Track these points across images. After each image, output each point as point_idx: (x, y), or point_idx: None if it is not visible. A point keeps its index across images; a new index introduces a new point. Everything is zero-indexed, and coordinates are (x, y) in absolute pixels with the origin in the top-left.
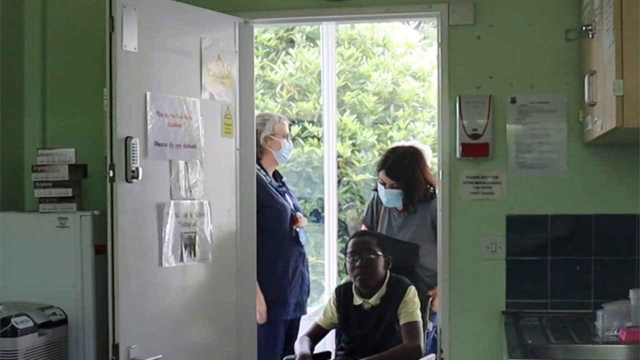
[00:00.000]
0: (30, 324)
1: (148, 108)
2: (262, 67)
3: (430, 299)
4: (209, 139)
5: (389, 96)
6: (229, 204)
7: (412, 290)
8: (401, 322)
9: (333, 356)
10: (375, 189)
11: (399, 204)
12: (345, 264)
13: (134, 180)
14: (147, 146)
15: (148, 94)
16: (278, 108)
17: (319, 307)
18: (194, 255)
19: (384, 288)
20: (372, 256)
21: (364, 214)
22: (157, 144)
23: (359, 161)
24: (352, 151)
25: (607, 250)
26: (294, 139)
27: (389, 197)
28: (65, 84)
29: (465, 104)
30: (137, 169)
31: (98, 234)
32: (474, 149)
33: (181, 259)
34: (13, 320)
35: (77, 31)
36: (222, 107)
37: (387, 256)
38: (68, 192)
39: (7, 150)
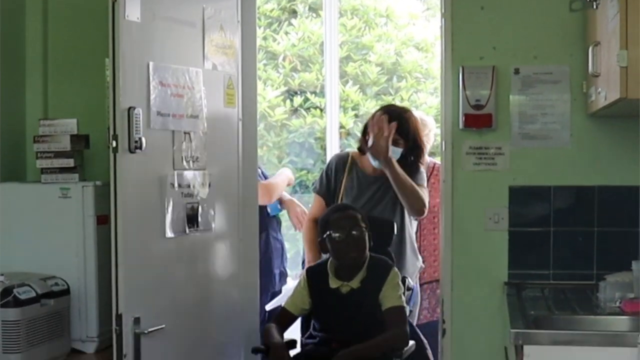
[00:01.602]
0: (33, 294)
1: (151, 78)
2: (265, 38)
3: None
4: (212, 109)
5: (392, 67)
6: (232, 174)
7: (395, 272)
8: (384, 307)
9: (299, 345)
10: (338, 157)
11: None
12: (322, 242)
13: (137, 151)
14: (149, 116)
15: (151, 64)
16: (280, 79)
17: None
18: (197, 225)
19: (364, 270)
20: (362, 232)
21: (316, 182)
22: (159, 114)
23: (361, 132)
24: (355, 122)
25: (610, 222)
26: (296, 110)
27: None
28: (67, 54)
29: (468, 74)
30: (140, 139)
31: (100, 205)
32: (477, 120)
33: (184, 230)
34: (15, 291)
35: (79, 0)
36: (225, 78)
37: (369, 231)
38: (70, 162)
39: (9, 121)
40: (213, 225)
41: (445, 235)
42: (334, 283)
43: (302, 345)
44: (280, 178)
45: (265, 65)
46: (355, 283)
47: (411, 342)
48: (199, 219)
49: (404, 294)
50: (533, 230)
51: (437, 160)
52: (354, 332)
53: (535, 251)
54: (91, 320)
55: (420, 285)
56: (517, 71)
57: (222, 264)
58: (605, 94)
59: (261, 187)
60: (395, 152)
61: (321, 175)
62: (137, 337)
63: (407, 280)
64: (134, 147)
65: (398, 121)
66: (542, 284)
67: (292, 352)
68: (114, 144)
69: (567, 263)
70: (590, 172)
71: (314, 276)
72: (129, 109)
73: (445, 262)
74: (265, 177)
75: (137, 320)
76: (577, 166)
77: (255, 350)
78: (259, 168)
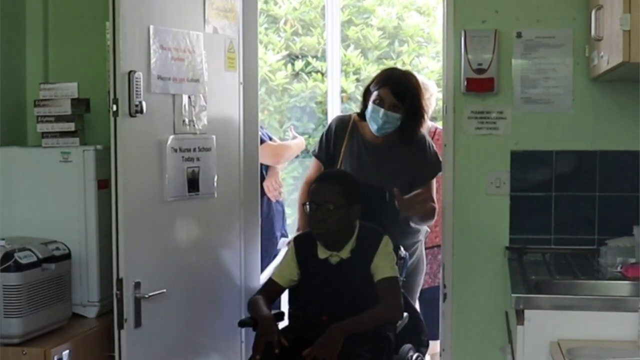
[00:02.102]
0: (34, 258)
1: (151, 42)
2: (266, 1)
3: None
4: (213, 73)
5: (394, 31)
6: (233, 139)
7: (387, 241)
8: (376, 279)
9: (287, 318)
10: (340, 119)
11: (387, 132)
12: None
13: (137, 115)
14: (150, 80)
15: (151, 27)
16: (281, 43)
17: None
18: (198, 189)
19: (353, 239)
20: (331, 207)
21: (316, 145)
22: (160, 78)
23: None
24: (356, 86)
25: (612, 187)
26: (297, 74)
27: (386, 120)
28: (67, 17)
29: (470, 38)
30: (140, 103)
31: (101, 169)
32: (479, 84)
33: (185, 194)
34: (16, 255)
35: None
36: (226, 41)
37: (354, 205)
38: (71, 126)
39: (9, 85)
40: (214, 190)
41: (446, 200)
42: (322, 253)
43: (291, 318)
44: (295, 142)
45: (266, 29)
46: (344, 253)
47: (405, 315)
48: (200, 183)
49: (397, 264)
50: (535, 194)
51: (439, 124)
52: (344, 304)
53: (536, 216)
54: (92, 284)
55: None
56: (519, 35)
57: (223, 228)
58: (608, 58)
59: (270, 148)
60: (392, 118)
61: (321, 138)
62: (137, 302)
63: (400, 250)
64: (135, 111)
65: (397, 84)
66: (544, 249)
67: (280, 325)
68: (115, 107)
69: (569, 228)
70: (592, 137)
71: (302, 246)
72: (130, 72)
73: (446, 226)
74: (270, 140)
75: (137, 285)
76: (579, 131)
77: (242, 324)
78: (263, 129)
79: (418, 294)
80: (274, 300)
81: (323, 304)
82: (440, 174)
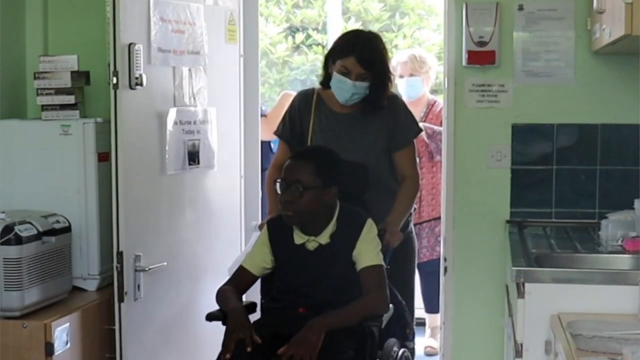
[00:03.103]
0: (34, 231)
1: (151, 14)
2: None
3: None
4: (213, 45)
5: (395, 4)
6: (233, 111)
7: (371, 224)
8: (359, 267)
9: (259, 309)
10: (303, 94)
11: (355, 102)
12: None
13: (137, 87)
14: (150, 53)
15: None
16: (282, 15)
17: None
18: (198, 162)
19: (333, 223)
20: (300, 188)
21: (280, 126)
22: (160, 50)
23: None
24: None
25: (613, 160)
26: (298, 47)
27: (354, 91)
28: None
29: (472, 11)
30: (140, 75)
31: (101, 142)
32: (481, 57)
33: (184, 166)
34: (16, 228)
35: None
36: (226, 13)
37: (331, 186)
38: (71, 99)
39: (9, 57)
40: (214, 162)
41: (447, 172)
42: (299, 238)
43: (263, 310)
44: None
45: (266, 1)
46: (323, 238)
47: (390, 307)
48: (200, 155)
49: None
50: (536, 168)
51: (439, 97)
52: (323, 295)
53: (537, 189)
54: (92, 257)
55: (420, 223)
56: (521, 7)
57: (224, 201)
58: (609, 30)
59: (264, 122)
60: (360, 88)
61: (284, 117)
62: (138, 275)
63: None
64: (135, 83)
65: (364, 52)
66: (544, 222)
67: (252, 318)
68: (115, 80)
69: (570, 201)
70: (594, 110)
71: (276, 230)
72: (130, 45)
73: (447, 200)
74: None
75: (138, 258)
76: (581, 104)
77: (210, 317)
78: (263, 105)
79: (415, 271)
80: (245, 291)
81: (299, 294)
82: (420, 135)
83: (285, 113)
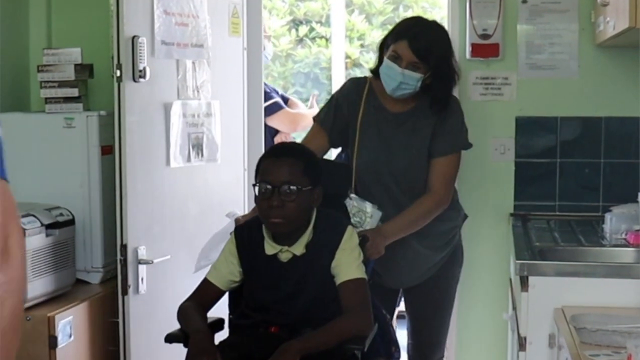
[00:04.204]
0: (37, 224)
1: (155, 7)
2: None
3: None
4: (216, 38)
5: None
6: (237, 104)
7: (351, 232)
8: (339, 281)
9: (227, 326)
10: (355, 82)
11: (404, 94)
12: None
13: (141, 80)
14: (154, 45)
15: None
16: (285, 8)
17: None
18: (202, 155)
19: (309, 230)
20: (293, 188)
21: (322, 111)
22: (164, 43)
23: (367, 62)
24: (361, 52)
25: (617, 153)
26: (301, 40)
27: (402, 80)
28: None
29: (475, 3)
30: (144, 68)
31: (104, 135)
32: (484, 50)
33: (188, 160)
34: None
35: None
36: (229, 6)
37: (317, 188)
38: (74, 92)
39: (12, 50)
40: (218, 155)
41: None
42: (270, 248)
43: (232, 328)
44: (311, 112)
45: None
46: (298, 248)
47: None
48: (204, 148)
49: (363, 261)
50: (539, 161)
51: None
52: (298, 313)
53: (541, 182)
54: (96, 250)
55: None
56: (524, 0)
57: (228, 194)
58: (614, 23)
59: (288, 115)
60: (410, 78)
61: (329, 102)
62: (141, 268)
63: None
64: (138, 76)
65: (418, 38)
66: (548, 216)
67: (220, 335)
68: (118, 73)
69: (573, 194)
70: (598, 103)
71: (245, 238)
72: (133, 37)
73: None
74: (286, 100)
75: (141, 251)
76: (585, 97)
77: (170, 338)
78: (277, 93)
79: (454, 298)
80: (211, 306)
81: (271, 311)
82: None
83: (332, 98)
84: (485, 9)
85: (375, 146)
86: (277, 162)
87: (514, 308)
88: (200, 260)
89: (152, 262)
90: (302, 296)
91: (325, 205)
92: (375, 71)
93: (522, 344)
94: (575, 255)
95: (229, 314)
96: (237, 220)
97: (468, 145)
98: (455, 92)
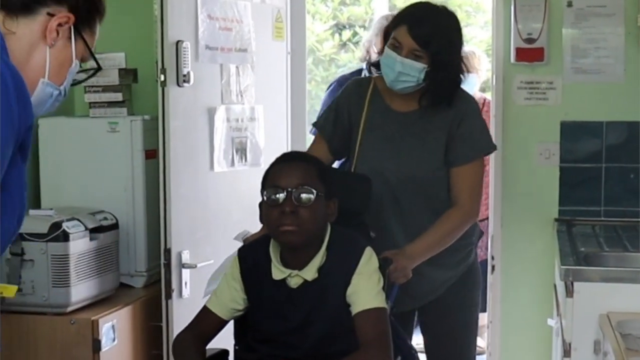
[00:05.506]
0: (82, 228)
1: (199, 11)
2: None
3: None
4: (260, 42)
5: (442, 0)
6: (280, 109)
7: (371, 255)
8: (355, 310)
9: (232, 357)
10: (357, 82)
11: (405, 87)
12: (260, 209)
13: (185, 85)
14: (197, 50)
15: None
16: (329, 13)
17: None
18: (245, 160)
19: (322, 252)
20: (310, 196)
21: (321, 116)
22: (208, 47)
23: None
24: None
25: None
26: (344, 44)
27: (401, 70)
28: None
29: (520, 7)
30: (188, 73)
31: (148, 139)
32: (529, 54)
33: (232, 164)
34: (64, 225)
35: None
36: (273, 11)
37: (332, 200)
38: (118, 96)
39: None
40: (261, 160)
41: (495, 171)
42: (278, 272)
43: None
44: None
45: None
46: (309, 273)
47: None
48: (247, 153)
49: (384, 287)
50: (584, 166)
51: (488, 95)
52: (309, 346)
53: (586, 187)
54: (140, 254)
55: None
56: (570, 4)
57: None
58: None
59: None
60: (410, 68)
61: (329, 106)
62: (185, 272)
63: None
64: (182, 80)
65: (419, 23)
66: (593, 221)
67: None
68: (162, 77)
69: (619, 200)
70: None
71: (250, 261)
72: (177, 42)
73: (495, 198)
74: None
75: (185, 255)
76: (631, 101)
77: None
78: None
79: (477, 317)
80: (212, 338)
81: (280, 344)
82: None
83: (332, 102)
84: (530, 13)
85: (381, 149)
86: (288, 166)
87: (559, 314)
88: (210, 284)
89: (196, 267)
90: (314, 327)
91: (341, 224)
92: (376, 64)
93: (567, 350)
94: (620, 260)
95: (235, 345)
96: (245, 241)
97: (492, 148)
98: (500, 97)
